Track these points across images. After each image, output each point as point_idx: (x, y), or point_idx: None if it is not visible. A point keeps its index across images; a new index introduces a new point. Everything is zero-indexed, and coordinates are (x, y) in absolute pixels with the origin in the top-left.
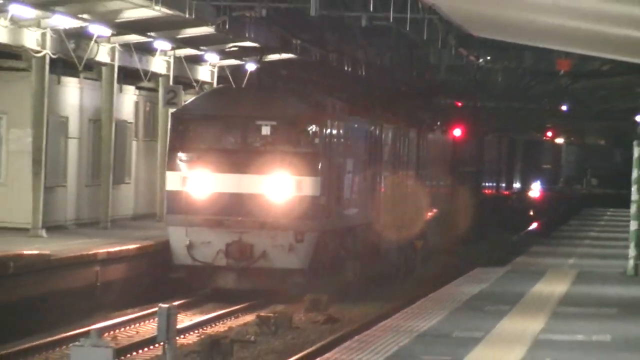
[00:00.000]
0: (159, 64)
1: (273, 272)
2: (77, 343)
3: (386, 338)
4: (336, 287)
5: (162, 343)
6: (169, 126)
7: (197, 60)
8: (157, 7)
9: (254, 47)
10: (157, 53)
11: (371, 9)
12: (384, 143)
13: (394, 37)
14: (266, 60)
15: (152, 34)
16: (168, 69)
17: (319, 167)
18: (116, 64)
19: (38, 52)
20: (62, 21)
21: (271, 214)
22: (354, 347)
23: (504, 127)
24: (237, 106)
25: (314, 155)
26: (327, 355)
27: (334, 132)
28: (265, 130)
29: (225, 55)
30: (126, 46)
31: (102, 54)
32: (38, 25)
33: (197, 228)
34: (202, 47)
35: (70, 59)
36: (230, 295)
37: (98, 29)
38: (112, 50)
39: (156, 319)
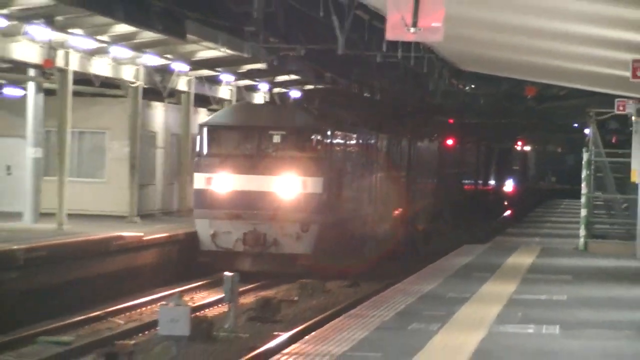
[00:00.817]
0: (224, 92)
1: (283, 257)
2: (163, 302)
3: (396, 298)
4: (354, 264)
5: (228, 303)
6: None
7: (252, 88)
8: (222, 49)
9: (297, 80)
10: (223, 83)
11: (384, 49)
12: (379, 149)
13: (402, 70)
14: (305, 89)
15: (219, 69)
16: (231, 95)
17: (322, 169)
18: (192, 92)
19: (133, 83)
20: (152, 60)
21: (281, 208)
22: (371, 306)
23: (485, 137)
24: (253, 118)
25: (317, 159)
26: (351, 311)
27: (335, 140)
28: (276, 139)
29: (273, 84)
30: (200, 78)
31: (182, 84)
32: (133, 63)
33: (220, 220)
34: (256, 79)
35: (157, 88)
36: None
37: (179, 66)
38: (189, 81)
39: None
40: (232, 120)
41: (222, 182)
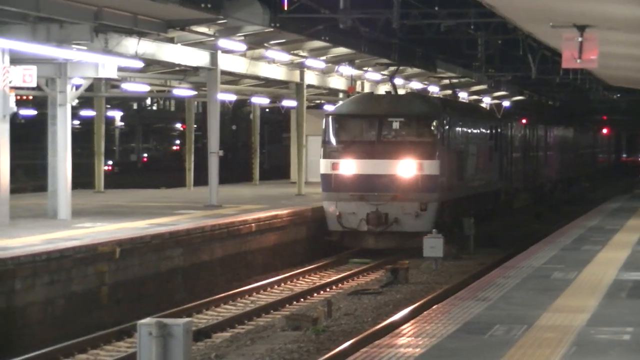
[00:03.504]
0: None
1: (404, 235)
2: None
3: (573, 230)
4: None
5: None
6: (323, 124)
7: (479, 101)
8: (459, 77)
9: (506, 95)
10: (460, 98)
11: (560, 73)
12: (514, 134)
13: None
14: (512, 100)
15: (457, 89)
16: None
17: (438, 152)
18: None
19: None
20: (416, 85)
21: (401, 189)
22: (556, 235)
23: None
24: (373, 107)
25: (433, 143)
26: (545, 239)
27: (453, 125)
28: (396, 125)
29: (492, 98)
30: (445, 96)
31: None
32: (404, 88)
33: (345, 202)
34: (481, 95)
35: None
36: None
37: (432, 88)
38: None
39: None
40: (354, 109)
41: (347, 167)
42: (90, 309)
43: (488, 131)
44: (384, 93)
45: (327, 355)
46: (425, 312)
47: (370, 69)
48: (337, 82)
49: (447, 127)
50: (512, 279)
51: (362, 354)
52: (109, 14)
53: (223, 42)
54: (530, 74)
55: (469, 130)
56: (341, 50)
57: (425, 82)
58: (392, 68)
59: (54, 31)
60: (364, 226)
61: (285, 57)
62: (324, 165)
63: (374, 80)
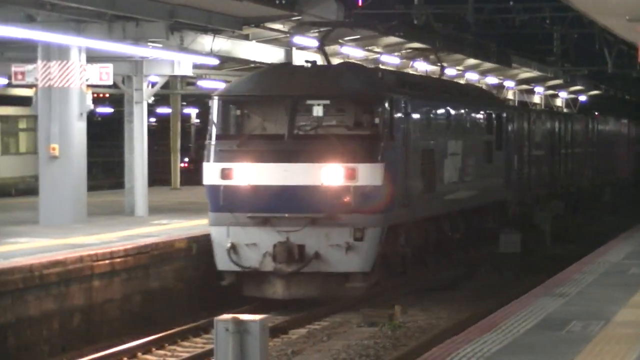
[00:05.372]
0: (536, 99)
1: (329, 277)
2: None
3: None
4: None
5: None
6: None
7: (555, 95)
8: (534, 72)
9: (582, 89)
10: (535, 93)
11: (638, 67)
12: (535, 126)
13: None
14: (589, 94)
15: (533, 84)
16: (540, 100)
17: (382, 151)
18: (516, 100)
19: None
20: (491, 80)
21: (325, 209)
22: (632, 231)
23: None
24: (285, 85)
25: (375, 138)
26: (621, 235)
27: (417, 113)
28: (318, 111)
29: (568, 93)
30: (520, 91)
31: (510, 95)
32: (478, 83)
33: (241, 228)
34: (557, 89)
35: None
36: None
37: (508, 83)
38: (514, 93)
39: None
40: (255, 87)
41: (243, 175)
42: (166, 305)
43: (484, 121)
44: (305, 63)
45: (403, 351)
46: (501, 308)
47: (446, 63)
48: None
49: (403, 113)
50: (589, 275)
51: (438, 349)
52: (184, 11)
53: (298, 39)
54: (607, 68)
55: (448, 120)
56: (415, 45)
57: (501, 77)
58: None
59: (130, 29)
60: (269, 264)
61: (360, 53)
62: (209, 173)
63: (449, 75)
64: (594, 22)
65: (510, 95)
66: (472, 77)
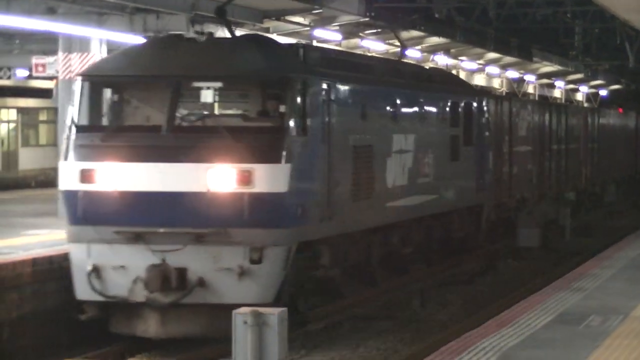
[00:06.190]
0: (557, 93)
1: (217, 310)
2: None
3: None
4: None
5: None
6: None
7: (576, 90)
8: (555, 66)
9: (603, 84)
10: (556, 87)
11: None
12: (518, 118)
13: None
14: (609, 89)
15: (554, 78)
16: (561, 94)
17: (289, 148)
18: (536, 94)
19: (500, 89)
20: (512, 74)
21: (212, 222)
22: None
23: None
24: (165, 62)
25: (280, 131)
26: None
27: (339, 99)
28: (206, 96)
29: (589, 87)
30: (541, 85)
31: (530, 89)
32: (499, 77)
33: (106, 246)
34: (577, 84)
35: (515, 93)
36: None
37: (529, 77)
38: (535, 87)
39: None
40: (127, 66)
41: (108, 178)
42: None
43: (449, 112)
44: (192, 35)
45: (422, 345)
46: (519, 302)
47: (466, 57)
48: None
49: (325, 101)
50: (607, 270)
51: (456, 343)
52: (205, 4)
53: (318, 32)
54: (628, 62)
55: (395, 110)
56: (436, 39)
57: (522, 71)
58: (487, 57)
59: (151, 22)
60: (140, 293)
61: (381, 46)
62: (65, 175)
63: (469, 69)
64: (615, 16)
65: (530, 90)
66: (493, 70)
